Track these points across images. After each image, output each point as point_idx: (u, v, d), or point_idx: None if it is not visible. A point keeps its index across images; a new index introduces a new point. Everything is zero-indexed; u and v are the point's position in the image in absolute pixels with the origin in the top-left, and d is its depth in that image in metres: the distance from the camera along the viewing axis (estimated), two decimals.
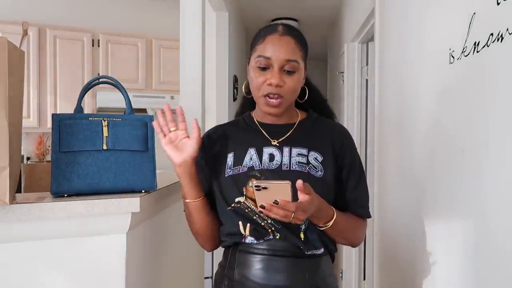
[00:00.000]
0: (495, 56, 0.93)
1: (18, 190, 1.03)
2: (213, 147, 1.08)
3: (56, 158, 0.92)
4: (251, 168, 1.01)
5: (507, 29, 0.87)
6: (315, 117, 1.12)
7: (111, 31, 3.36)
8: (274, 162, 1.02)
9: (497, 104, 0.93)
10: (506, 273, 0.89)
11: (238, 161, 1.03)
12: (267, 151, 1.03)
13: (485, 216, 0.99)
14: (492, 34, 0.93)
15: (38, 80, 3.11)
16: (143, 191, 1.00)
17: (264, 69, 0.99)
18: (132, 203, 0.92)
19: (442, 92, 1.25)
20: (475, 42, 1.02)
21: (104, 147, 0.96)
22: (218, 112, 3.22)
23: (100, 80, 1.06)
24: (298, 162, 1.01)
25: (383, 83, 2.02)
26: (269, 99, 0.99)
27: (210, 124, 3.09)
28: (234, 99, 3.65)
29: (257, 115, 1.10)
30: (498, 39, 0.91)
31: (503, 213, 0.91)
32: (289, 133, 1.06)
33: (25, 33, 0.94)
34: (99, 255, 0.94)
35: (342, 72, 3.24)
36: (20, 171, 0.99)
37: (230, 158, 1.04)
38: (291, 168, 1.00)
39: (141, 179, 0.99)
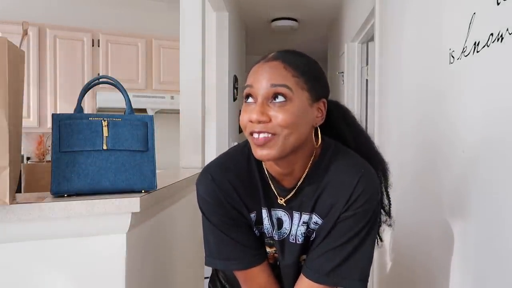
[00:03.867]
0: (495, 56, 0.93)
1: (18, 190, 1.02)
2: (235, 205, 0.89)
3: (56, 158, 0.92)
4: (265, 234, 0.93)
5: (507, 29, 0.87)
6: (327, 161, 0.87)
7: (111, 31, 3.36)
8: (282, 230, 0.91)
9: (497, 104, 0.93)
10: (505, 272, 0.89)
11: (259, 221, 0.92)
12: (275, 214, 0.90)
13: (485, 216, 0.99)
14: (492, 34, 0.93)
15: (38, 80, 3.11)
16: (143, 191, 1.00)
17: (251, 103, 0.80)
18: (132, 203, 0.92)
19: (442, 92, 1.25)
20: (475, 42, 1.02)
21: (104, 147, 0.96)
22: (218, 112, 3.23)
23: (100, 80, 1.06)
24: (303, 233, 0.90)
25: (383, 83, 2.02)
26: (254, 139, 0.79)
27: (210, 124, 3.10)
28: (234, 99, 3.65)
29: None
30: (498, 39, 0.91)
31: (503, 213, 0.91)
32: (295, 189, 0.87)
33: (25, 33, 0.94)
34: (99, 255, 0.93)
35: (342, 72, 3.24)
36: (20, 171, 0.99)
37: (253, 216, 0.91)
38: (297, 242, 0.91)
39: (141, 179, 0.99)
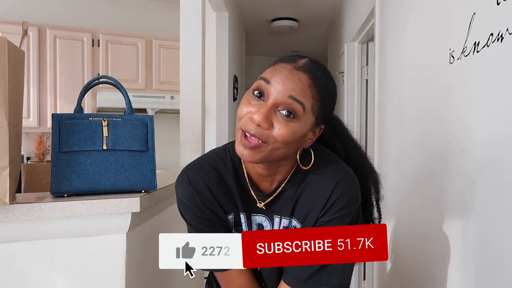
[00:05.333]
0: (495, 56, 0.93)
1: (18, 190, 1.03)
2: (211, 207, 0.87)
3: (56, 158, 0.92)
4: None
5: (507, 29, 0.87)
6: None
7: (111, 31, 3.36)
8: None
9: (497, 104, 0.93)
10: (505, 273, 0.89)
11: (238, 222, 0.90)
12: (255, 219, 0.89)
13: (485, 216, 0.99)
14: (492, 34, 0.93)
15: (38, 80, 3.11)
16: (143, 191, 1.00)
17: (258, 98, 0.75)
18: (132, 203, 0.92)
19: (442, 92, 1.25)
20: (475, 42, 1.02)
21: (104, 147, 0.96)
22: (218, 112, 3.23)
23: (100, 80, 1.06)
24: None
25: (383, 83, 2.02)
26: (244, 137, 0.75)
27: (210, 124, 3.10)
28: (234, 99, 3.65)
29: None
30: (498, 39, 0.91)
31: (503, 213, 0.91)
32: (276, 193, 0.86)
33: (25, 33, 0.94)
34: (99, 255, 0.93)
35: (342, 72, 3.24)
36: (20, 171, 0.99)
37: (230, 218, 0.90)
38: None
39: (141, 179, 0.99)
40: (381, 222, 1.03)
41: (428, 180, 1.36)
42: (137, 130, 1.01)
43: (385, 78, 1.98)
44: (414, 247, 1.48)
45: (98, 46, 3.29)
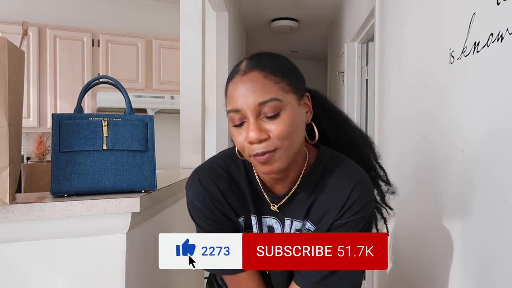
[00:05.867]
0: (495, 56, 0.93)
1: (18, 190, 1.03)
2: (222, 209, 0.87)
3: (56, 158, 0.92)
4: None
5: (507, 29, 0.87)
6: (322, 168, 0.85)
7: (111, 31, 3.36)
8: None
9: (497, 104, 0.93)
10: (506, 273, 0.89)
11: (248, 225, 0.90)
12: (266, 221, 0.89)
13: (485, 216, 0.99)
14: (492, 34, 0.93)
15: (38, 80, 3.11)
16: (143, 191, 1.00)
17: (241, 125, 0.77)
18: (132, 203, 0.92)
19: (442, 92, 1.25)
20: (475, 42, 1.02)
21: (104, 147, 0.96)
22: (218, 112, 3.23)
23: (100, 80, 1.06)
24: None
25: (383, 83, 2.02)
26: (258, 157, 0.76)
27: (210, 124, 3.10)
28: None
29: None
30: (498, 39, 0.91)
31: (503, 214, 0.91)
32: (289, 195, 0.85)
33: (25, 33, 0.94)
34: (99, 255, 0.93)
35: (342, 72, 3.24)
36: (20, 171, 0.99)
37: (241, 221, 0.89)
38: None
39: (141, 179, 0.99)
40: (388, 177, 1.01)
41: (428, 179, 1.36)
42: (137, 130, 1.01)
43: (385, 78, 1.99)
44: (414, 248, 1.48)
45: (98, 46, 3.29)
